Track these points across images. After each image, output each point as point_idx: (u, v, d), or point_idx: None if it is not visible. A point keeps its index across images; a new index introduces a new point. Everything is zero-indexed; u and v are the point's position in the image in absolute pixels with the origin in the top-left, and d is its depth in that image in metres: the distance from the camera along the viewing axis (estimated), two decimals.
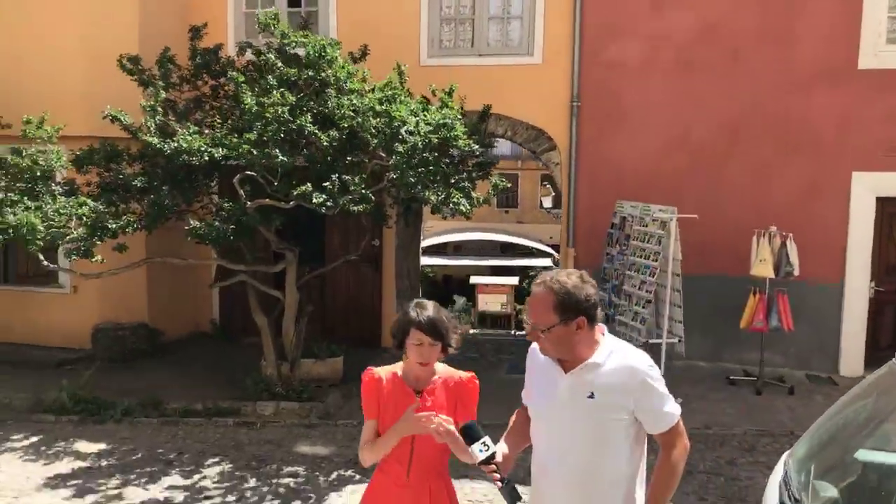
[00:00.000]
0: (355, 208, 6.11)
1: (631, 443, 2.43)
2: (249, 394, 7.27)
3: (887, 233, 8.39)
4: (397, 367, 2.83)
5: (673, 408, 2.42)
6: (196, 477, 5.69)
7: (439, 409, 2.70)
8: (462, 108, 6.92)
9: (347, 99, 6.27)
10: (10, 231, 6.19)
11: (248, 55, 7.39)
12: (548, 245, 25.01)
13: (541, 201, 29.20)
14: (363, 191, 6.10)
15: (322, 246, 9.43)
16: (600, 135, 8.85)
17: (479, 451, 2.42)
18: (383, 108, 6.12)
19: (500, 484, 2.40)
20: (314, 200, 6.05)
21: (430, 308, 2.73)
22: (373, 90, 6.48)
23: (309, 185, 6.10)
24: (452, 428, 2.56)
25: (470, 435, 2.46)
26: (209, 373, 8.24)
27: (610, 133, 8.84)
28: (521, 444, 2.67)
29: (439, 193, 6.11)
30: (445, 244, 11.02)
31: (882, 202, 8.21)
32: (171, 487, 5.49)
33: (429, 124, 6.20)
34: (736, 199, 8.46)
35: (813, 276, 8.02)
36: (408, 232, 9.31)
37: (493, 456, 2.44)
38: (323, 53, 6.30)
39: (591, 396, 2.37)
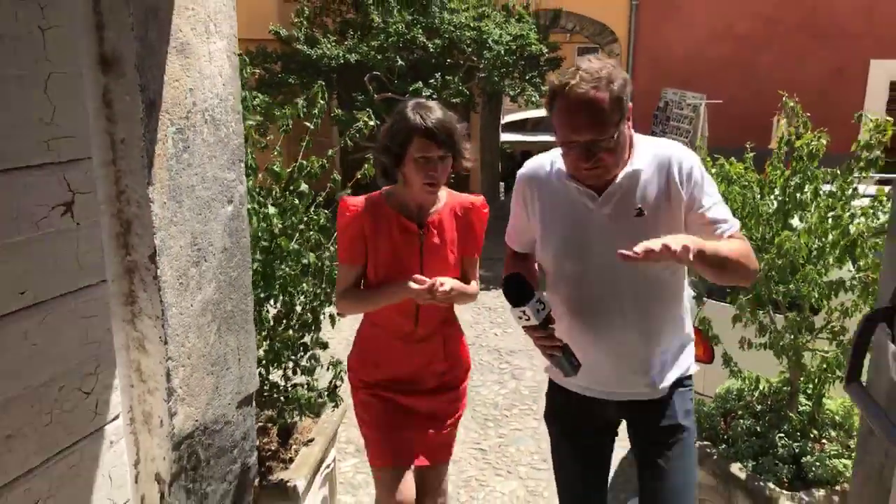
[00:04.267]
0: (454, 100, 8.26)
1: (679, 270, 1.88)
2: None
3: None
4: (383, 195, 2.18)
5: (727, 209, 1.83)
6: None
7: (449, 245, 2.17)
8: (536, 10, 8.79)
9: (448, 15, 8.27)
10: None
11: None
12: None
13: None
14: (460, 87, 8.23)
15: None
16: (655, 29, 10.45)
17: (535, 313, 1.72)
18: (475, 24, 8.12)
19: (557, 353, 1.77)
20: (423, 93, 8.20)
21: (436, 109, 2.08)
22: (467, 9, 8.43)
23: (420, 82, 8.24)
24: (453, 283, 2.07)
25: (519, 292, 1.75)
26: None
27: (663, 27, 10.42)
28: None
29: (516, 88, 8.18)
30: (525, 120, 12.71)
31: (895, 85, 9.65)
32: None
33: (509, 34, 8.16)
34: (769, 83, 10.02)
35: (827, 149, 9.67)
36: (491, 114, 11.40)
37: (550, 316, 1.77)
38: None
39: (640, 214, 1.78)
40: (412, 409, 2.26)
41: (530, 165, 1.95)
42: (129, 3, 1.57)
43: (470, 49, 8.20)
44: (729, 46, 10.14)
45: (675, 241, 1.51)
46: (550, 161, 1.88)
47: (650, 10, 10.42)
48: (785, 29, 9.90)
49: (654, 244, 1.50)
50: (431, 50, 8.22)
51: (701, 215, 1.75)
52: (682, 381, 1.94)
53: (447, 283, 2.05)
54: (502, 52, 8.04)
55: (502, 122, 11.95)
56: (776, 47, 9.97)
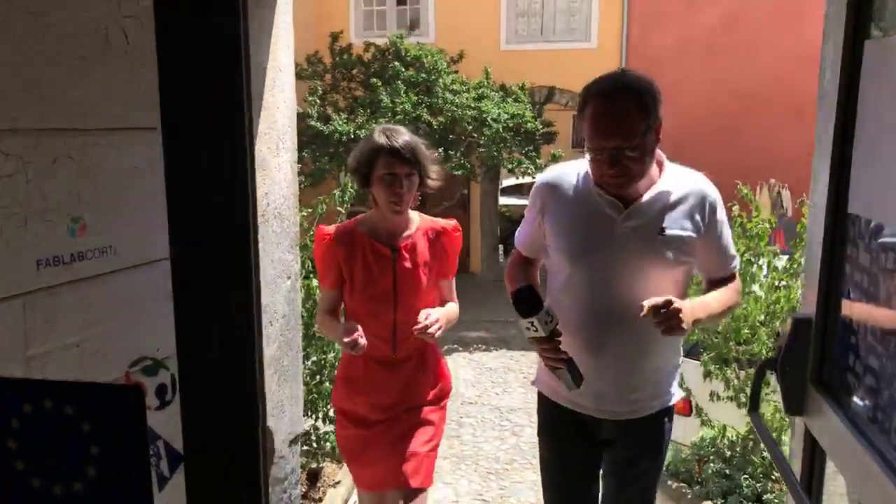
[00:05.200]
0: (456, 172, 8.91)
1: (684, 292, 1.93)
2: None
3: None
4: (357, 222, 2.23)
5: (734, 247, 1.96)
6: None
7: (422, 268, 2.18)
8: (532, 88, 9.52)
9: (450, 96, 9.00)
10: None
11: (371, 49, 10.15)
12: None
13: None
14: (461, 161, 8.88)
15: (424, 195, 12.30)
16: None
17: (542, 325, 1.72)
18: (476, 104, 8.85)
19: (562, 366, 1.76)
20: None
21: (402, 130, 2.14)
22: (468, 90, 9.16)
23: None
24: (439, 314, 2.09)
25: (530, 303, 1.74)
26: None
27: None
28: None
29: (513, 162, 8.83)
30: (521, 185, 13.34)
31: None
32: None
33: (507, 113, 8.87)
34: (750, 156, 10.74)
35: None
36: (491, 184, 12.06)
37: (557, 329, 1.76)
38: (434, 66, 9.02)
39: (662, 233, 1.79)
40: (391, 438, 2.25)
41: (553, 172, 1.97)
42: None
43: (471, 126, 8.90)
44: (712, 120, 10.89)
45: (685, 317, 1.69)
46: (577, 171, 1.90)
47: None
48: (765, 103, 10.67)
49: (663, 305, 1.68)
50: (435, 127, 8.91)
51: (716, 249, 1.89)
52: (669, 410, 2.01)
53: (433, 314, 2.09)
54: (500, 129, 8.73)
55: (501, 186, 12.65)
56: (757, 120, 10.71)
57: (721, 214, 1.89)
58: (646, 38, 11.05)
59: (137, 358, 0.93)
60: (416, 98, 8.93)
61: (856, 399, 1.35)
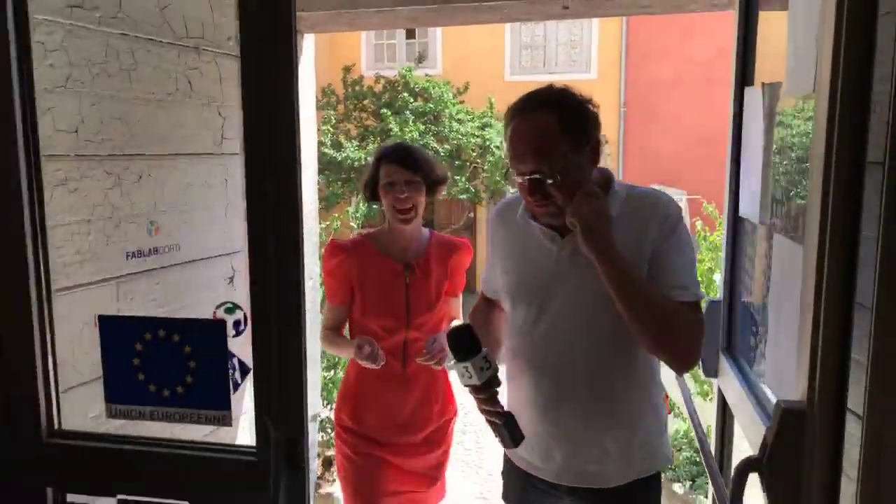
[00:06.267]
0: (461, 196, 9.39)
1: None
2: None
3: None
4: (369, 236, 2.20)
5: (696, 282, 1.52)
6: None
7: (434, 285, 2.14)
8: None
9: (456, 125, 9.53)
10: None
11: (381, 80, 10.72)
12: None
13: None
14: (467, 186, 9.37)
15: (432, 217, 12.80)
16: (641, 132, 11.70)
17: (478, 372, 1.50)
18: (480, 132, 9.36)
19: (498, 420, 1.55)
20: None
21: (405, 143, 2.01)
22: (472, 119, 9.69)
23: None
24: (444, 341, 1.88)
25: (463, 345, 1.53)
26: None
27: (648, 131, 11.68)
28: (497, 350, 1.75)
29: (515, 186, 9.33)
30: None
31: None
32: None
33: None
34: None
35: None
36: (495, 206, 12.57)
37: (495, 377, 1.54)
38: (441, 97, 9.58)
39: None
40: (395, 466, 2.18)
41: (502, 201, 1.78)
42: None
43: (475, 153, 9.40)
44: (711, 147, 11.34)
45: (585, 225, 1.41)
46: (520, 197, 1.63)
47: (637, 117, 11.71)
48: None
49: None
50: (442, 154, 9.42)
51: (661, 271, 1.47)
52: (648, 482, 1.61)
53: (439, 340, 2.04)
54: (503, 155, 9.23)
55: None
56: None
57: (678, 236, 1.51)
58: (644, 69, 11.57)
59: (222, 301, 1.37)
60: (423, 127, 9.46)
61: (747, 359, 1.76)
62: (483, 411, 1.58)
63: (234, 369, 1.28)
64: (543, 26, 11.98)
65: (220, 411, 1.28)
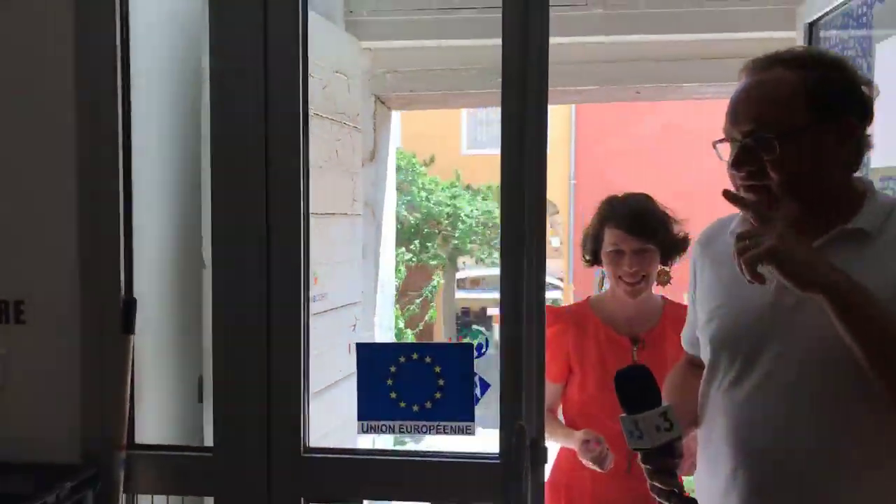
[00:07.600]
0: (431, 262, 9.78)
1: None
2: None
3: None
4: (590, 302, 1.93)
5: None
6: None
7: (669, 366, 1.57)
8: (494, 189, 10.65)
9: (426, 194, 10.02)
10: None
11: None
12: (557, 278, 28.44)
13: (550, 241, 33.76)
14: (437, 252, 9.80)
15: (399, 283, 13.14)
16: (591, 203, 12.44)
17: (652, 431, 1.13)
18: (451, 202, 9.88)
19: (665, 500, 1.16)
20: (404, 257, 9.71)
21: (635, 198, 1.83)
22: (441, 189, 10.21)
23: (402, 247, 9.76)
24: None
25: (633, 392, 1.18)
26: None
27: (597, 202, 12.43)
28: (689, 428, 1.28)
29: (485, 253, 9.83)
30: (464, 279, 13.79)
31: None
32: None
33: (477, 209, 9.95)
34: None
35: None
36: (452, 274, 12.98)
37: (676, 444, 1.15)
38: (412, 167, 10.08)
39: None
40: None
41: (711, 225, 1.38)
42: None
43: (446, 221, 9.89)
44: None
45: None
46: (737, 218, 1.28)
47: (585, 188, 12.53)
48: (706, 203, 12.03)
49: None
50: (412, 222, 9.84)
51: None
52: None
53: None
54: (473, 224, 9.76)
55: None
56: (700, 219, 12.03)
57: None
58: (594, 144, 12.45)
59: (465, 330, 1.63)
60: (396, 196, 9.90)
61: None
62: (653, 489, 1.17)
63: (475, 385, 1.54)
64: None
65: (465, 422, 1.52)
